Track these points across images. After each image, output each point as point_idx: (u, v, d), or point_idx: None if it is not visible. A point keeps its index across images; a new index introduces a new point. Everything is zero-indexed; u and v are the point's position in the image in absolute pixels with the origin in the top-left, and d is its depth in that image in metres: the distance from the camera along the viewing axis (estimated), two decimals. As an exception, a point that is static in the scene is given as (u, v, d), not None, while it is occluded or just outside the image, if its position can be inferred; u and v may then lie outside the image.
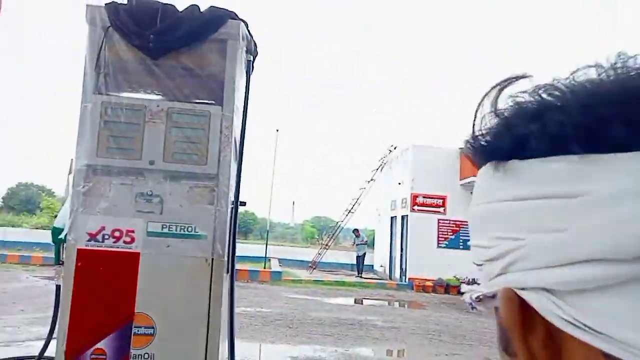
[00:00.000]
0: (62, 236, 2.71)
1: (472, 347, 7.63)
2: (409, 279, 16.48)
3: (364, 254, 19.47)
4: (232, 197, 2.79)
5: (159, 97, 2.98)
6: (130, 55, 2.76)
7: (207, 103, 2.85)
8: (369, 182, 20.31)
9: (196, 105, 2.79)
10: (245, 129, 2.87)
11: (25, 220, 26.51)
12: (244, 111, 2.85)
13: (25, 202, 38.02)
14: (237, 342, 3.06)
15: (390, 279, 18.53)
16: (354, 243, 19.92)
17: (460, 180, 16.79)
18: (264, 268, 17.47)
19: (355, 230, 20.48)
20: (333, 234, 21.81)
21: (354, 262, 21.75)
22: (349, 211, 20.87)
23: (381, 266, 20.38)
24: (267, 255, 19.02)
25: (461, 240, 16.61)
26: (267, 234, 21.13)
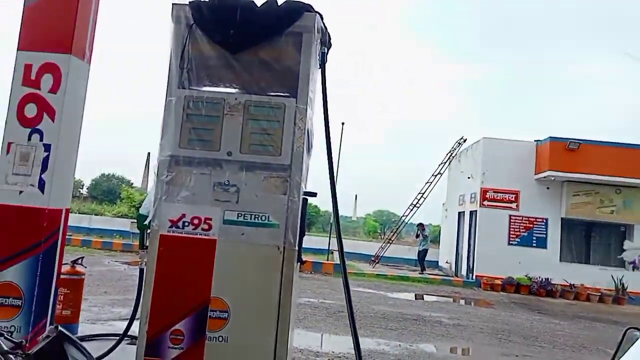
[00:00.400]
0: (146, 222, 2.82)
1: (545, 350, 7.31)
2: (477, 276, 15.99)
3: (426, 249, 18.68)
4: (305, 187, 2.80)
5: (237, 90, 3.05)
6: (211, 50, 2.84)
7: (282, 95, 2.87)
8: (435, 176, 19.79)
9: (272, 97, 2.83)
10: (328, 121, 2.88)
11: (107, 209, 28.44)
12: (324, 103, 2.86)
13: (107, 192, 40.40)
14: (300, 330, 3.11)
15: (456, 276, 18.08)
16: (417, 235, 19.29)
17: (536, 174, 15.96)
18: (327, 260, 17.61)
19: (420, 225, 19.81)
20: (397, 229, 21.46)
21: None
22: (414, 205, 20.47)
23: (447, 262, 19.91)
24: (329, 248, 18.94)
25: (534, 238, 15.85)
26: (331, 227, 21.19)
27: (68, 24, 3.14)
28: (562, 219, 15.95)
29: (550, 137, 15.60)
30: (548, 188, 15.96)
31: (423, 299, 12.31)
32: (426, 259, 19.68)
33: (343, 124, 18.63)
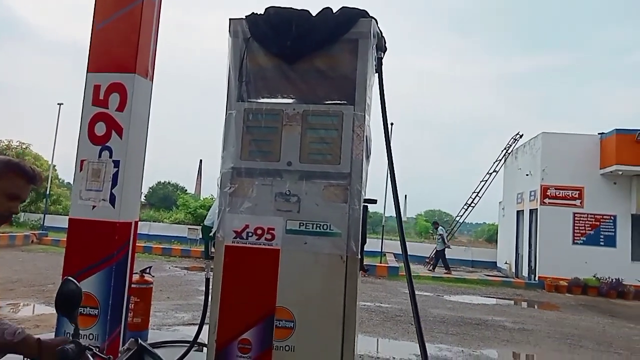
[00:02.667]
0: (211, 234, 2.88)
1: (622, 357, 6.86)
2: (539, 277, 15.31)
3: (444, 249, 18.02)
4: (364, 194, 2.74)
5: (294, 100, 3.02)
6: (268, 62, 2.86)
7: (339, 103, 2.85)
8: (490, 174, 19.14)
9: (329, 106, 2.82)
10: (387, 127, 2.88)
11: (165, 216, 29.15)
12: (382, 109, 2.83)
13: (163, 199, 40.97)
14: (359, 335, 3.08)
15: (517, 277, 17.38)
16: (434, 235, 18.65)
17: (601, 169, 15.10)
18: (380, 262, 17.42)
19: (434, 224, 19.51)
20: (451, 229, 20.73)
21: (474, 258, 20.79)
22: (469, 205, 19.88)
23: (506, 263, 19.18)
24: (382, 250, 18.73)
25: (602, 236, 14.99)
26: (383, 229, 20.65)
27: (132, 44, 3.29)
28: (632, 215, 14.98)
29: (616, 130, 14.73)
30: (615, 183, 15.05)
31: (484, 301, 11.90)
32: (481, 259, 19.14)
33: (392, 124, 18.46)
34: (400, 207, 2.91)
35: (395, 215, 2.88)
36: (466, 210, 20.22)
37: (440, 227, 18.85)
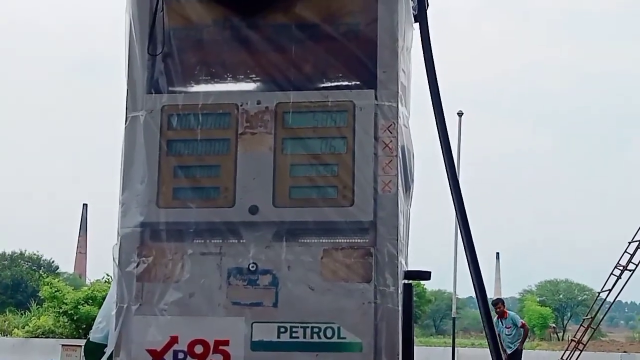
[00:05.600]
0: (104, 359, 2.19)
1: None
2: None
3: (518, 350, 11.89)
4: (405, 264, 2.25)
5: (259, 86, 2.40)
6: (206, 14, 2.28)
7: (346, 87, 2.28)
8: None
9: (327, 92, 2.24)
10: (446, 129, 2.35)
11: (14, 323, 20.62)
12: (433, 96, 2.33)
13: (12, 288, 27.18)
14: None
15: None
16: (498, 334, 11.75)
17: None
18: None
19: (497, 302, 12.32)
20: (592, 318, 13.94)
21: None
22: (624, 268, 13.01)
23: None
24: None
25: None
26: (454, 325, 14.32)
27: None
28: None
29: None
30: None
31: None
32: None
33: (461, 114, 14.44)
34: (483, 278, 2.34)
35: (476, 297, 2.39)
36: (618, 278, 13.17)
37: (509, 312, 12.53)
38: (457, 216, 2.45)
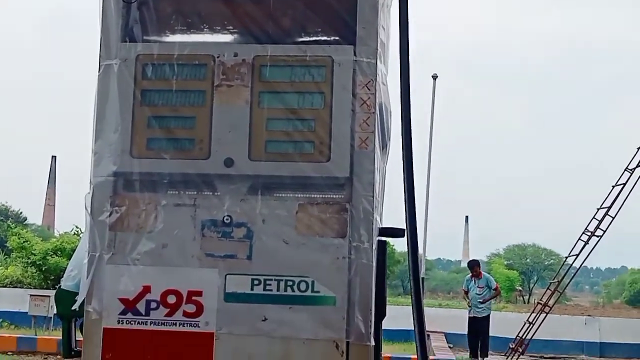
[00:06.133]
0: (75, 307, 2.17)
1: None
2: None
3: (488, 315, 12.13)
4: (380, 221, 2.24)
5: (236, 37, 2.39)
6: None
7: (325, 42, 2.28)
8: (632, 171, 12.83)
9: (306, 47, 2.22)
10: (408, 86, 2.20)
11: None
12: (401, 54, 2.20)
13: None
14: None
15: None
16: (466, 291, 12.29)
17: None
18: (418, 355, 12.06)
19: (473, 264, 12.82)
20: (559, 282, 13.96)
21: (604, 339, 14.19)
22: (592, 234, 12.85)
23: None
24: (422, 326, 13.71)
25: None
26: (422, 284, 14.57)
27: None
28: None
29: None
30: None
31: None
32: (619, 340, 13.49)
33: (435, 77, 14.09)
34: (418, 238, 2.23)
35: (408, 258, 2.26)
36: (586, 244, 13.00)
37: (484, 274, 12.81)
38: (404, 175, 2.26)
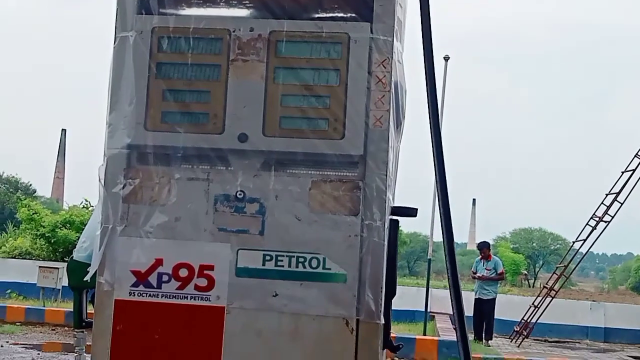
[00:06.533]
0: (87, 278, 2.19)
1: None
2: None
3: (494, 299, 12.03)
4: (392, 200, 2.26)
5: (253, 12, 2.35)
6: None
7: (342, 18, 2.25)
8: (633, 171, 12.81)
9: (322, 23, 2.20)
10: (432, 66, 2.23)
11: None
12: (424, 33, 2.21)
13: None
14: None
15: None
16: (474, 272, 12.39)
17: None
18: (424, 334, 11.72)
19: (482, 246, 12.85)
20: (565, 267, 13.98)
21: (608, 324, 14.14)
22: (600, 219, 12.77)
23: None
24: (428, 309, 12.96)
25: None
26: (429, 267, 14.29)
27: None
28: None
29: None
30: None
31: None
32: (623, 326, 13.44)
33: (447, 58, 13.36)
34: (452, 221, 2.23)
35: (443, 241, 2.24)
36: (593, 229, 12.97)
37: (494, 257, 12.99)
38: (434, 161, 2.30)
